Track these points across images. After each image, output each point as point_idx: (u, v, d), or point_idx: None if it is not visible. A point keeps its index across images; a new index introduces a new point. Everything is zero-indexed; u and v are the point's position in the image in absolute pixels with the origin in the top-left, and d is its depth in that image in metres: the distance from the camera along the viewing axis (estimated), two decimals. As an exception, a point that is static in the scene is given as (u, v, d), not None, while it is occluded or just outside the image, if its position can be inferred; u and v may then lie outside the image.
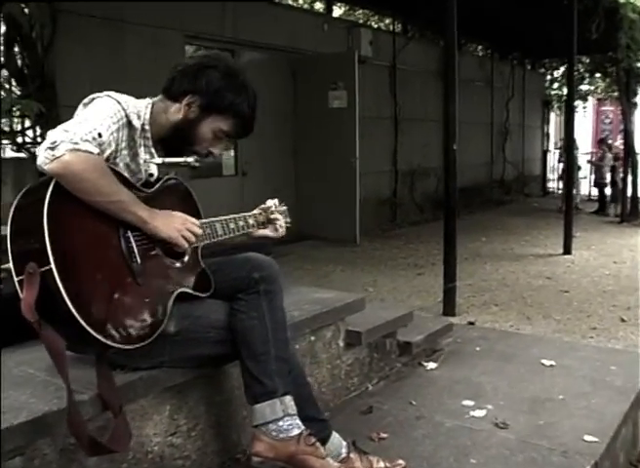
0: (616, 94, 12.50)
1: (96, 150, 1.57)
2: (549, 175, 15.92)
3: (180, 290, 1.78)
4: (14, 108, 5.85)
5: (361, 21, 10.18)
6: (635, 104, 10.87)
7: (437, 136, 10.70)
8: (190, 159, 1.87)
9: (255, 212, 2.17)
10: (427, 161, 10.37)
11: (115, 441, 1.62)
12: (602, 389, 2.76)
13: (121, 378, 1.76)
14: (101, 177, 1.56)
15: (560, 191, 13.19)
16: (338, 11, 10.03)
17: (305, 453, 1.78)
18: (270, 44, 7.90)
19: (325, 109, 8.13)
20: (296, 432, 1.80)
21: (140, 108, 1.83)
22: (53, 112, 5.67)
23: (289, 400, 1.83)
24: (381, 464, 2.01)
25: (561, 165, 12.55)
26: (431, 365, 3.10)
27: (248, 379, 1.85)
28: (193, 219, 1.79)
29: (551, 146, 16.91)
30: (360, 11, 10.37)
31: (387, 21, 10.68)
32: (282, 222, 2.18)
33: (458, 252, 5.07)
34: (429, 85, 10.31)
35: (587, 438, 2.30)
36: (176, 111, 1.85)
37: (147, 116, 1.84)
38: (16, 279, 1.49)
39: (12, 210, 1.55)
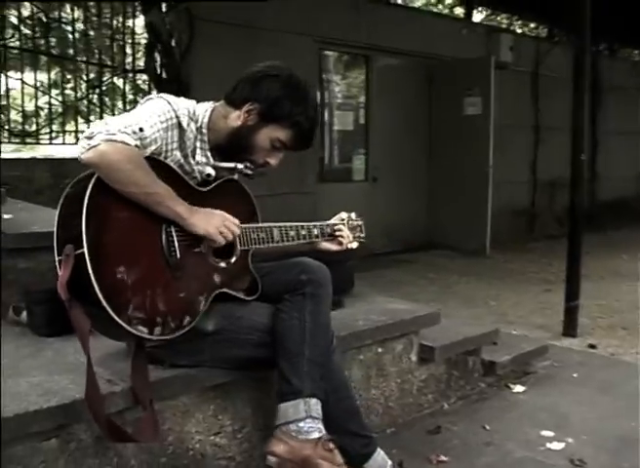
0: None
1: (132, 142, 1.60)
2: None
3: (220, 290, 1.79)
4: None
5: (504, 26, 9.79)
6: None
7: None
8: (240, 165, 1.88)
9: (325, 222, 2.15)
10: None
11: (139, 432, 1.66)
12: None
13: (158, 374, 1.80)
14: (136, 169, 1.59)
15: None
16: (479, 15, 9.72)
17: (321, 458, 1.72)
18: (406, 50, 7.79)
19: (459, 116, 7.91)
20: (315, 435, 1.74)
21: (196, 111, 1.85)
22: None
23: (314, 403, 1.77)
24: (428, 490, 1.90)
25: None
26: (518, 388, 2.90)
27: (279, 378, 1.83)
28: (233, 219, 1.79)
29: None
30: (503, 15, 9.98)
31: (532, 26, 10.20)
32: (347, 236, 2.13)
33: (594, 269, 4.74)
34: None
35: (675, 489, 2.05)
36: (235, 118, 1.87)
37: (206, 119, 1.86)
38: (56, 259, 1.58)
39: (62, 197, 1.65)
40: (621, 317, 5.28)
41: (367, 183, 7.92)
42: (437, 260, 7.62)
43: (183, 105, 1.81)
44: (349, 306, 2.57)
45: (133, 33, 6.26)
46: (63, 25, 6.02)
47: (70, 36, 6.01)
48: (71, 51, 5.97)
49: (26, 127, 5.92)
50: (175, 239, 1.68)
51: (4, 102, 5.68)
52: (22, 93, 5.74)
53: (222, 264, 1.82)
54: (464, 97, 7.85)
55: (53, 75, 5.98)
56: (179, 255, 1.68)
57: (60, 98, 5.98)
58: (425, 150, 8.38)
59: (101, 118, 6.11)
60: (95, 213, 1.54)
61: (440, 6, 9.66)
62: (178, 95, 5.92)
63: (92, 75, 6.20)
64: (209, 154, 1.87)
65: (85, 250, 1.49)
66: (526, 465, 2.20)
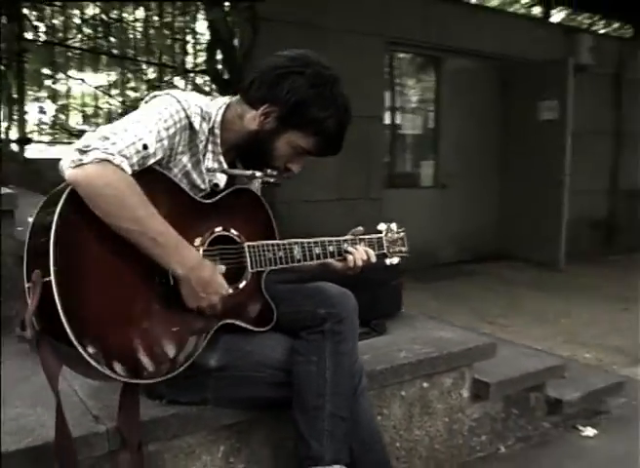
0: None
1: (129, 169, 1.35)
2: None
3: (225, 321, 1.52)
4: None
5: (585, 26, 9.22)
6: None
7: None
8: (259, 173, 1.62)
9: (358, 236, 1.83)
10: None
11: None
12: None
13: (154, 412, 1.56)
14: (125, 200, 1.33)
15: None
16: (558, 15, 9.19)
17: None
18: (479, 51, 7.43)
19: (535, 121, 7.50)
20: (338, 510, 1.46)
21: (209, 109, 1.59)
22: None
23: None
24: None
25: None
26: (589, 431, 2.53)
27: (296, 436, 1.56)
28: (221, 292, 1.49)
29: None
30: (584, 14, 9.40)
31: (616, 26, 9.58)
32: (360, 255, 1.77)
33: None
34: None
35: None
36: (251, 119, 1.59)
37: (219, 118, 1.59)
38: (26, 285, 1.32)
39: (35, 210, 1.39)
40: None
41: (436, 190, 7.60)
42: (507, 272, 7.24)
43: (195, 102, 1.54)
44: (393, 332, 2.28)
45: (194, 33, 6.16)
46: (125, 25, 5.95)
47: (131, 36, 5.95)
48: (132, 51, 5.90)
49: (86, 127, 5.89)
50: None
51: (64, 102, 5.68)
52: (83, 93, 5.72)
53: (230, 290, 1.54)
54: (540, 100, 7.43)
55: (113, 75, 5.95)
56: (172, 282, 1.42)
57: (120, 99, 5.93)
58: (498, 156, 7.99)
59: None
60: (66, 232, 1.29)
61: (517, 5, 9.19)
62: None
63: (152, 75, 6.15)
64: (221, 159, 1.60)
65: (52, 277, 1.25)
66: None
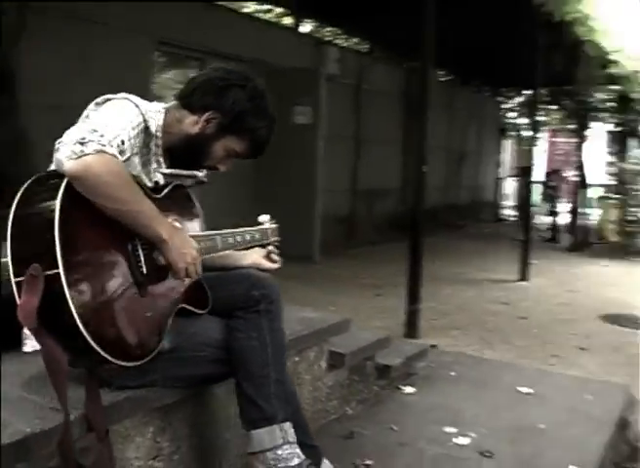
0: (570, 126, 12.80)
1: (121, 158, 1.48)
2: (502, 202, 16.25)
3: (180, 305, 1.67)
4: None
5: (329, 39, 10.17)
6: (587, 137, 11.19)
7: (397, 157, 10.78)
8: (200, 174, 1.79)
9: (256, 228, 2.08)
10: (387, 182, 10.41)
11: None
12: (581, 418, 2.75)
13: (107, 398, 1.62)
14: (125, 184, 1.45)
15: (513, 218, 13.42)
16: (306, 27, 10.01)
17: (305, 484, 1.68)
18: (237, 55, 7.80)
19: (289, 124, 8.03)
20: (296, 462, 1.69)
21: (154, 114, 1.72)
22: (11, 107, 5.45)
23: (289, 426, 1.72)
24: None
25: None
26: (409, 389, 3.04)
27: (244, 403, 1.75)
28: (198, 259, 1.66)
29: (505, 173, 17.21)
30: (328, 29, 10.35)
31: (355, 41, 10.71)
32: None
33: (415, 274, 5.05)
34: (392, 106, 10.38)
35: (573, 469, 2.28)
36: (191, 123, 1.76)
37: (160, 123, 1.73)
38: (13, 280, 1.34)
39: (15, 202, 1.39)
40: (451, 318, 5.72)
41: (196, 188, 7.75)
42: (266, 266, 7.66)
43: (149, 108, 1.68)
44: (261, 316, 2.52)
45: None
46: None
47: None
48: None
49: None
50: (140, 253, 1.54)
51: None
52: None
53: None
54: (294, 106, 8.00)
55: None
56: (145, 272, 1.54)
57: None
58: (256, 157, 8.40)
59: None
60: (67, 225, 1.34)
61: (269, 15, 9.79)
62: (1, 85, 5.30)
63: None
64: (161, 160, 1.75)
65: (61, 270, 1.29)
66: (443, 461, 2.32)
